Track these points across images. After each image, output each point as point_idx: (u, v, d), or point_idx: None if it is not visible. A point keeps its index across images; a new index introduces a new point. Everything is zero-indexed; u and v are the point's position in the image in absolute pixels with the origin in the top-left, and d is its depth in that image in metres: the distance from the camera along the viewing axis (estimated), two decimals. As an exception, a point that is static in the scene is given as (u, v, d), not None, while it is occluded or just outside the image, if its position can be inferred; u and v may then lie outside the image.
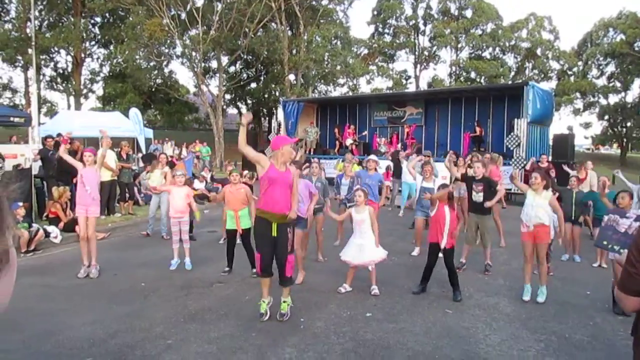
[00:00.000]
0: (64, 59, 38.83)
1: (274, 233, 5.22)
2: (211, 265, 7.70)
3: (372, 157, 8.83)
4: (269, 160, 5.28)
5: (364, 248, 6.37)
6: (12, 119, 11.35)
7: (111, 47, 37.49)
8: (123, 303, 5.97)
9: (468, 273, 7.48)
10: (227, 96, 42.09)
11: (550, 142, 18.81)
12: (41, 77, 37.59)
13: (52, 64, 38.77)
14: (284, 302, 5.54)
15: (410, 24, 44.35)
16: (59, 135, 12.46)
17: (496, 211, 9.08)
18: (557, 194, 7.42)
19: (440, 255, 6.40)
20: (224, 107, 40.12)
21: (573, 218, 8.42)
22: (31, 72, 30.92)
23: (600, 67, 45.73)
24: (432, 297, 6.35)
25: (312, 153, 21.67)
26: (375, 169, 8.67)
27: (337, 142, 22.83)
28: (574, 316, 5.74)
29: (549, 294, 6.25)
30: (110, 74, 38.70)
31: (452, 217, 6.35)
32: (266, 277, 5.49)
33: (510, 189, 14.57)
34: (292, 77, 36.74)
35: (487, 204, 7.34)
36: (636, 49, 40.36)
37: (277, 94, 38.64)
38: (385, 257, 6.55)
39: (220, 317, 5.54)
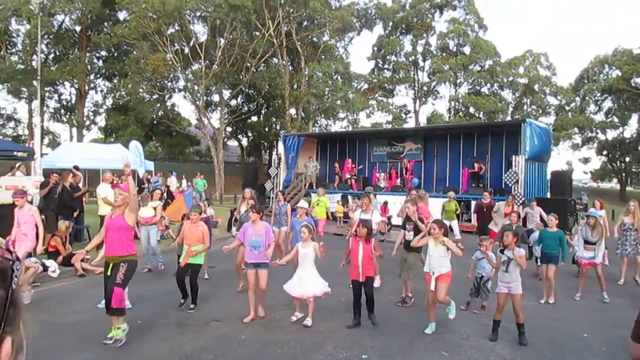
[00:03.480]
0: (68, 91, 39.32)
1: (109, 272, 5.78)
2: (208, 302, 7.69)
3: (301, 203, 8.93)
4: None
5: (303, 280, 6.70)
6: (15, 153, 11.48)
7: (115, 80, 38.04)
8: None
9: (466, 314, 7.48)
10: (228, 129, 42.46)
11: (549, 178, 18.92)
12: (45, 108, 37.99)
13: (56, 96, 39.23)
14: (118, 328, 5.79)
15: (410, 59, 44.99)
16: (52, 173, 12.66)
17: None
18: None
19: None
20: (225, 139, 40.46)
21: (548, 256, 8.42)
22: (35, 104, 31.31)
23: (598, 103, 46.24)
24: (429, 338, 6.34)
25: (313, 187, 21.82)
26: (307, 214, 8.75)
27: (336, 177, 22.97)
28: (570, 359, 5.73)
29: (545, 335, 6.24)
30: (113, 106, 39.13)
31: (365, 250, 6.67)
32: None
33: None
34: (292, 111, 37.15)
35: (412, 243, 7.26)
36: (633, 84, 40.91)
37: (278, 127, 39.05)
38: (327, 291, 6.80)
39: (217, 357, 5.53)
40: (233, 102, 41.69)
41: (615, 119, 45.55)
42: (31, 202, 10.82)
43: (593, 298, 8.49)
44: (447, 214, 14.31)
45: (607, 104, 45.95)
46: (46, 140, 36.79)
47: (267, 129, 42.00)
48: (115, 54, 38.37)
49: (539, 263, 9.48)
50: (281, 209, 11.27)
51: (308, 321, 6.71)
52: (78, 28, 36.76)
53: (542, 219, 11.66)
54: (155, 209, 10.48)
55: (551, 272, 8.29)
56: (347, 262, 7.06)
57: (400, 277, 8.11)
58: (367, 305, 6.80)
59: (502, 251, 6.42)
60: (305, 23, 36.20)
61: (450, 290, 6.66)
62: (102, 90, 40.48)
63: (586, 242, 8.58)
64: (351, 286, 6.87)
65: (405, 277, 7.98)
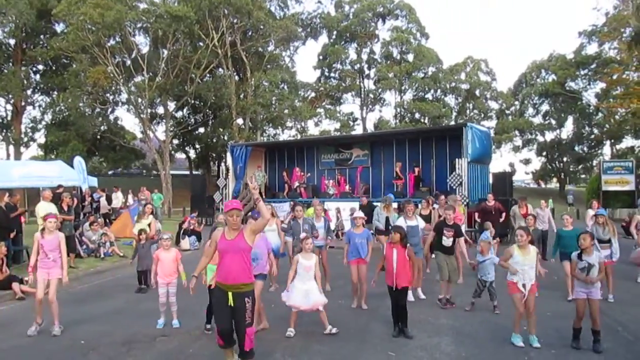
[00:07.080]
0: (3, 107, 37.70)
1: (231, 302, 5.02)
2: (155, 317, 7.51)
3: (359, 213, 8.71)
4: (222, 230, 5.22)
5: (309, 293, 6.53)
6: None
7: (54, 95, 36.79)
8: (59, 363, 5.74)
9: (412, 314, 7.57)
10: (175, 141, 41.84)
11: (490, 180, 19.52)
12: (-22, 126, 36.36)
13: (-10, 113, 37.56)
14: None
15: (355, 67, 45.67)
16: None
17: (458, 250, 8.86)
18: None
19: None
20: (172, 152, 39.80)
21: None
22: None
23: (536, 106, 48.36)
24: (377, 339, 6.41)
25: (263, 197, 21.67)
26: (363, 225, 8.48)
27: (285, 185, 22.94)
28: (509, 352, 5.90)
29: (487, 330, 6.40)
30: (53, 121, 37.79)
31: (400, 258, 6.54)
32: (227, 348, 5.28)
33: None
34: (240, 121, 36.95)
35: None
36: (567, 88, 42.91)
37: (226, 138, 38.74)
38: (326, 302, 6.72)
39: (162, 373, 5.40)
40: (179, 114, 41.16)
41: (553, 121, 47.76)
42: None
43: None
44: None
45: (545, 107, 48.17)
46: (-19, 159, 35.14)
47: (214, 140, 41.60)
48: (54, 68, 37.06)
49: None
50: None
51: (333, 328, 6.62)
52: (12, 41, 35.32)
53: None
54: (149, 225, 10.92)
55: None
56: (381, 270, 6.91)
57: (443, 280, 8.04)
58: (400, 319, 6.63)
59: (579, 256, 6.13)
60: (249, 33, 36.15)
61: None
62: (40, 106, 39.00)
63: (599, 241, 8.45)
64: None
65: (453, 279, 8.04)
